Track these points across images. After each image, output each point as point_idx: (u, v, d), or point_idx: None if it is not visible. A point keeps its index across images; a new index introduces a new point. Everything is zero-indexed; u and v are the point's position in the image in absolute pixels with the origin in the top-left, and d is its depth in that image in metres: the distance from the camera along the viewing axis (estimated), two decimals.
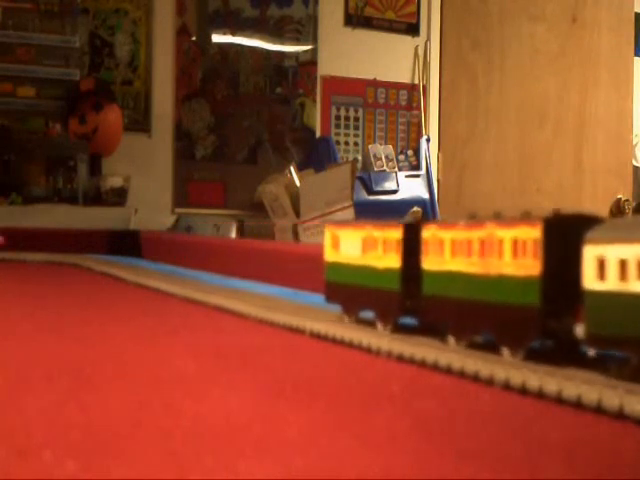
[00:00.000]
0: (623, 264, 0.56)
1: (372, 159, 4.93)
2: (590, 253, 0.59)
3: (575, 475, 0.41)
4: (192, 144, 4.80)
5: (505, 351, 0.65)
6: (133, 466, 0.40)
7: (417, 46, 5.38)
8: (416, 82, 5.38)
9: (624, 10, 5.99)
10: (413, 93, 5.39)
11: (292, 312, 0.94)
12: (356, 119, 5.28)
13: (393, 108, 5.36)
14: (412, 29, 5.39)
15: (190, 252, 1.99)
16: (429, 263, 0.74)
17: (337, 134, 5.21)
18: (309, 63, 5.09)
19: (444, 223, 0.74)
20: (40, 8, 4.16)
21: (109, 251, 2.30)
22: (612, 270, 0.57)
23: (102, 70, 4.55)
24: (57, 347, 0.81)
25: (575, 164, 5.87)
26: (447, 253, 0.72)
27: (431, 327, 0.75)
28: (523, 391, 0.57)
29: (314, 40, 5.10)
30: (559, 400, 0.54)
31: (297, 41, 5.07)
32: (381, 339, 0.75)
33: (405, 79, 5.37)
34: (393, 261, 0.78)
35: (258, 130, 4.96)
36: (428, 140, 5.22)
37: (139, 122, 4.65)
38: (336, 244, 0.87)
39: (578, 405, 0.53)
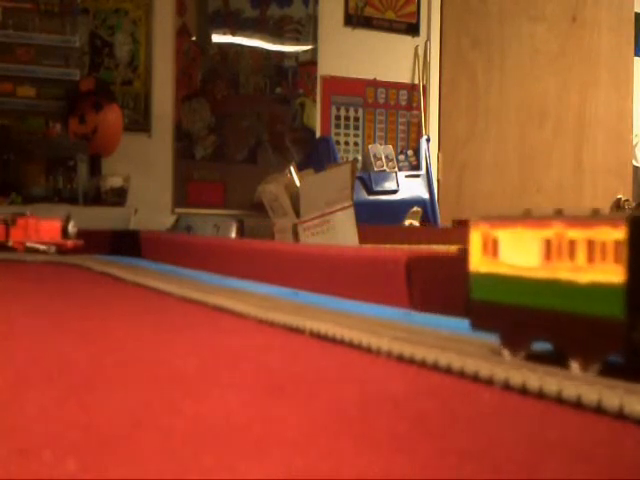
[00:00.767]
0: None
1: (372, 159, 4.93)
2: None
3: (575, 475, 0.41)
4: (192, 144, 4.80)
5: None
6: (133, 466, 0.40)
7: (417, 46, 5.38)
8: (416, 82, 5.38)
9: (624, 10, 5.99)
10: (413, 93, 5.39)
11: (292, 312, 0.94)
12: (356, 119, 5.28)
13: (393, 108, 5.36)
14: (412, 29, 5.39)
15: (190, 252, 1.99)
16: None
17: (337, 134, 5.21)
18: (309, 63, 5.10)
19: None
20: (40, 8, 4.17)
21: (109, 251, 2.30)
22: None
23: (102, 70, 4.55)
24: (57, 347, 0.81)
25: (575, 164, 5.87)
26: None
27: None
28: (523, 391, 0.57)
29: (314, 40, 5.10)
30: (559, 400, 0.54)
31: (297, 41, 5.07)
32: (381, 339, 0.75)
33: (405, 79, 5.37)
34: (608, 274, 0.57)
35: (258, 130, 4.96)
36: (428, 140, 5.23)
37: (139, 122, 4.65)
38: (491, 248, 0.68)
39: (578, 405, 0.53)
